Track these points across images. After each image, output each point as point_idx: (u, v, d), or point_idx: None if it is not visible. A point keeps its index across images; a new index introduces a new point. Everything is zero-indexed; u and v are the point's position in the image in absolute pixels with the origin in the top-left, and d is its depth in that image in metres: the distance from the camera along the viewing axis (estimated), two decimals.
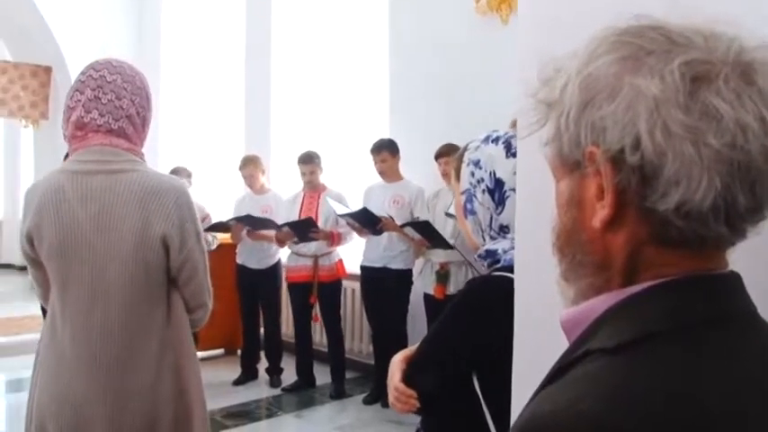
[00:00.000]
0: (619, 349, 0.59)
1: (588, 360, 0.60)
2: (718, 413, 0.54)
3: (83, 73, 1.81)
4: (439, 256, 4.61)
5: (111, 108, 1.77)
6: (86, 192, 1.73)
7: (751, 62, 0.59)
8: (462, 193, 1.55)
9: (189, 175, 5.72)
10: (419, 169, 4.99)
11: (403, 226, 4.67)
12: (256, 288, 5.48)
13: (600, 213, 0.62)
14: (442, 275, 4.61)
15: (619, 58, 0.61)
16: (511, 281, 1.32)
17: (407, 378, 1.43)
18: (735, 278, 0.64)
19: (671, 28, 0.61)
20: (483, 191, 1.50)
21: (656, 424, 0.53)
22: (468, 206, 1.53)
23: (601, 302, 0.65)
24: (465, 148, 1.58)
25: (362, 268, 5.05)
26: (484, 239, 1.52)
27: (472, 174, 1.52)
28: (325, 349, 5.37)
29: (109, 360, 1.74)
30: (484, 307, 1.39)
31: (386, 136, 5.25)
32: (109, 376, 1.73)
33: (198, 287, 1.85)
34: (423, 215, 4.75)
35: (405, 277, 4.91)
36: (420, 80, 5.42)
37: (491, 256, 1.48)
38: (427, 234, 4.48)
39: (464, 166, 1.55)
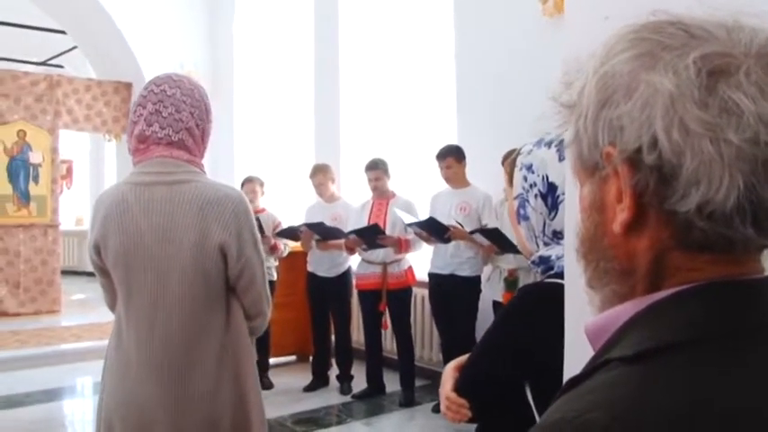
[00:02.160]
0: (638, 358, 0.56)
1: (606, 369, 0.57)
2: None
3: (145, 88, 1.87)
4: (507, 262, 4.55)
5: (172, 121, 1.83)
6: (148, 202, 1.79)
7: None
8: (515, 198, 1.52)
9: (261, 185, 5.82)
10: (487, 175, 4.93)
11: (472, 233, 4.63)
12: (327, 296, 5.52)
13: (619, 217, 0.60)
14: (511, 282, 4.54)
15: (635, 55, 0.59)
16: (563, 287, 1.29)
17: (459, 387, 1.41)
18: None
19: (690, 22, 0.59)
20: (536, 195, 1.47)
21: None
22: (521, 211, 1.50)
23: (625, 310, 0.62)
24: (518, 152, 1.55)
25: (430, 275, 5.03)
26: (537, 245, 1.49)
27: (525, 178, 1.49)
28: (395, 356, 5.37)
29: (171, 366, 1.79)
30: (534, 314, 1.36)
31: (453, 142, 5.22)
32: (171, 381, 1.78)
33: (256, 295, 1.89)
34: (491, 222, 4.70)
35: (473, 284, 4.85)
36: (487, 85, 5.37)
37: (544, 262, 1.45)
38: (497, 240, 4.42)
39: (517, 170, 1.52)
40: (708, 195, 0.54)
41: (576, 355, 1.21)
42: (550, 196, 1.44)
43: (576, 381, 0.59)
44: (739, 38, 0.56)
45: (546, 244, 1.47)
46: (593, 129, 0.61)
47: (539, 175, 1.46)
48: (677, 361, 0.54)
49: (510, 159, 1.56)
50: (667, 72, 0.56)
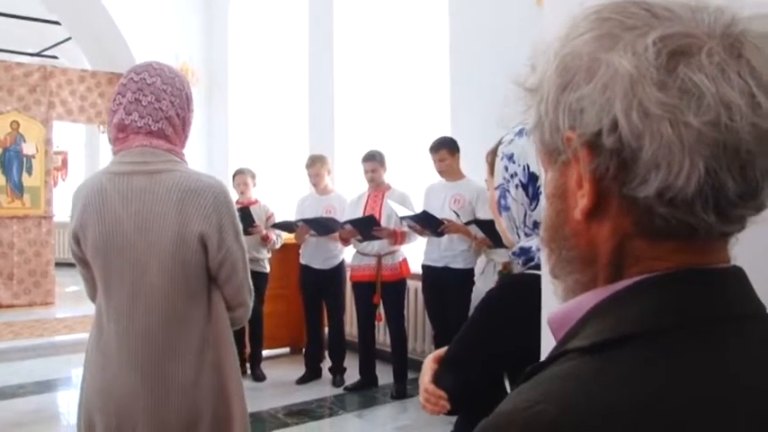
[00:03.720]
0: (593, 349, 0.54)
1: (562, 360, 0.56)
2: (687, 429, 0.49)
3: (125, 76, 1.85)
4: (501, 256, 4.53)
5: (151, 110, 1.80)
6: (127, 192, 1.77)
7: (742, 34, 0.53)
8: (496, 188, 1.50)
9: (253, 176, 5.80)
10: (482, 167, 4.88)
11: (468, 223, 4.61)
12: (320, 288, 5.51)
13: (580, 203, 0.58)
14: (505, 275, 4.53)
15: (596, 36, 0.57)
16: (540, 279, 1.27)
17: (437, 381, 1.39)
18: (735, 274, 0.58)
19: (654, 2, 0.57)
20: (517, 186, 1.45)
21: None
22: (503, 202, 1.48)
23: (587, 300, 0.60)
24: (499, 142, 1.53)
25: (424, 268, 5.01)
26: (518, 236, 1.47)
27: (506, 168, 1.47)
28: (388, 349, 5.36)
29: (151, 356, 1.77)
30: (511, 306, 1.34)
31: (447, 134, 5.19)
32: (151, 372, 1.76)
33: (238, 285, 1.86)
34: (484, 215, 4.67)
35: (466, 277, 4.84)
36: (481, 76, 5.34)
37: (525, 253, 1.43)
38: (491, 233, 4.40)
39: (498, 160, 1.51)
40: (668, 180, 0.52)
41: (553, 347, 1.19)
42: (531, 186, 1.42)
43: (534, 370, 0.58)
44: (703, 18, 0.55)
45: (527, 235, 1.45)
46: (555, 112, 0.59)
47: (519, 165, 1.44)
48: (633, 353, 0.53)
49: (492, 149, 1.54)
50: (626, 52, 0.54)
